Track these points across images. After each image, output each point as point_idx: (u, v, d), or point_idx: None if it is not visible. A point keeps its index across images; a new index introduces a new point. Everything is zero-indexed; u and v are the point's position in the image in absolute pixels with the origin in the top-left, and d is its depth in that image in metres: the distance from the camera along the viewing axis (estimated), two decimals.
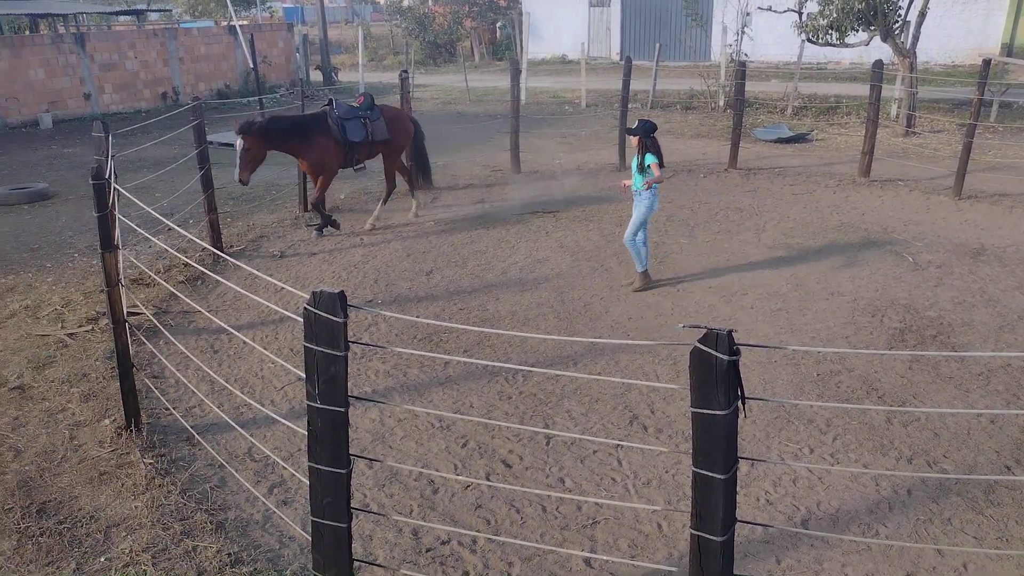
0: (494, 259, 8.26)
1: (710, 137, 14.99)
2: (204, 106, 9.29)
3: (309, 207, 9.70)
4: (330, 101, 9.02)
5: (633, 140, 7.09)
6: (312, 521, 2.93)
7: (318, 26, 26.19)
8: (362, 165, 9.25)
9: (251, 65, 21.05)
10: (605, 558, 3.78)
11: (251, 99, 19.88)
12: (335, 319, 2.64)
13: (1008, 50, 23.77)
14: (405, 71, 11.57)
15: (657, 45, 20.22)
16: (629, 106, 12.83)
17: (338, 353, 2.69)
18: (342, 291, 2.64)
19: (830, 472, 4.53)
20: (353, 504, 2.94)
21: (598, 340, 4.06)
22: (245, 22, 28.78)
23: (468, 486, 4.46)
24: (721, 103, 17.90)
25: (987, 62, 10.18)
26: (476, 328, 3.72)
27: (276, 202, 10.85)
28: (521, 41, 23.07)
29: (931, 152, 13.06)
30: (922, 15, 14.33)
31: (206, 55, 21.76)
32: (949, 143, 13.58)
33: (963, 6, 24.51)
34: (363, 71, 23.54)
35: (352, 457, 2.88)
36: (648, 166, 6.91)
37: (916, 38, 14.44)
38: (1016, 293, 7.06)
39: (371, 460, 3.62)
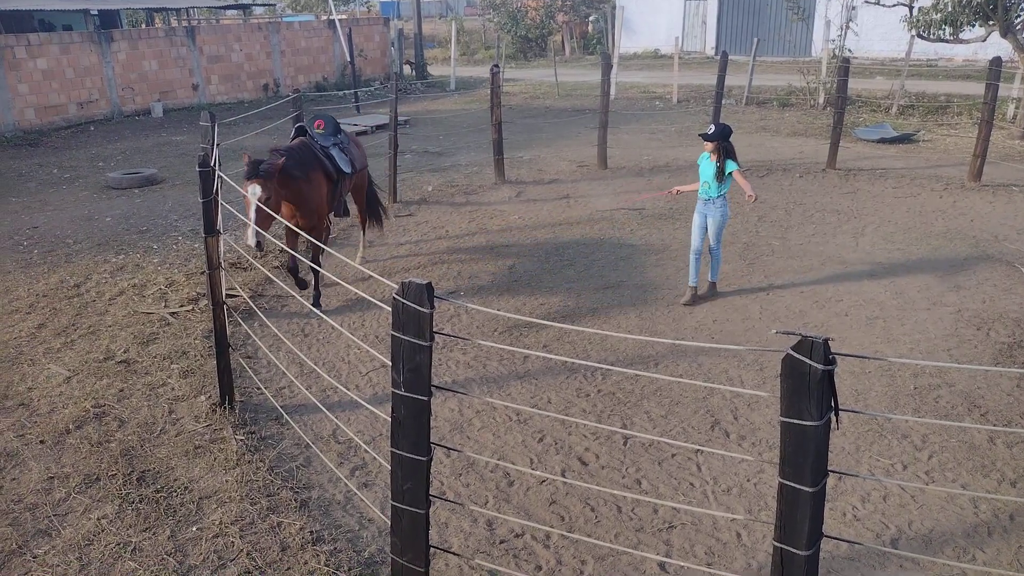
0: (576, 255, 8.22)
1: (807, 135, 14.45)
2: (303, 98, 9.57)
3: (313, 263, 6.88)
4: (301, 127, 7.25)
5: (707, 145, 6.64)
6: (392, 506, 2.99)
7: (413, 21, 26.65)
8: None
9: (348, 59, 21.65)
10: (681, 563, 3.71)
11: (347, 92, 20.45)
12: (422, 309, 2.68)
13: None
14: (496, 65, 11.64)
15: (755, 39, 19.65)
16: (723, 102, 12.50)
17: (424, 343, 2.73)
18: (430, 282, 2.68)
19: (924, 491, 4.30)
20: (431, 491, 2.98)
21: (681, 342, 3.97)
22: (344, 16, 29.59)
23: (543, 481, 4.47)
24: (821, 100, 17.23)
25: None
26: (556, 324, 3.70)
27: None
28: (613, 35, 22.83)
29: None
30: None
31: (306, 48, 22.50)
32: None
33: None
34: (455, 65, 23.84)
35: (432, 445, 2.93)
36: (729, 174, 6.58)
37: None
38: None
39: (450, 449, 3.67)
